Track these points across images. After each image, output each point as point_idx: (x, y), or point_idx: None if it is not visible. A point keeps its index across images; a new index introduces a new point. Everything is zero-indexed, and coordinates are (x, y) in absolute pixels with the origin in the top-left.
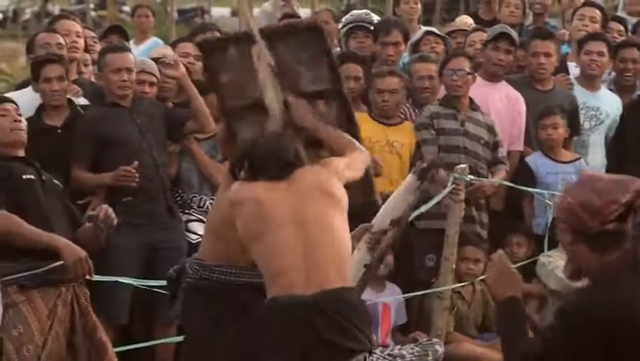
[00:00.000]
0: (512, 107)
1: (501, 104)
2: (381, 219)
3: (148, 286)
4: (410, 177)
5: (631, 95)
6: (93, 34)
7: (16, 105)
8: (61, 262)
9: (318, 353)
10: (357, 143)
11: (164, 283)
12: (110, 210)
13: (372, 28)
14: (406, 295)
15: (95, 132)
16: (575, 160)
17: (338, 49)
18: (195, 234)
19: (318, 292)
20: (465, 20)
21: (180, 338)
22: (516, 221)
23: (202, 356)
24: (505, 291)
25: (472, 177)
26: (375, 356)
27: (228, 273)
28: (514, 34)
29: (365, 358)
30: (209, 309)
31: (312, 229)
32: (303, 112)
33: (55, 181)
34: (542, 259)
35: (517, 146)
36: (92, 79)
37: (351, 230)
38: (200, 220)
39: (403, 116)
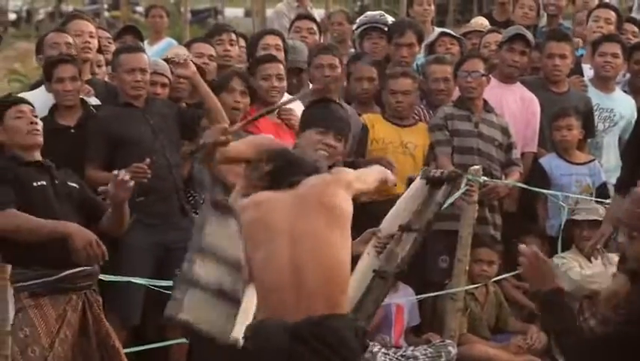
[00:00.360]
0: (526, 108)
1: (515, 106)
2: (390, 223)
3: (161, 286)
4: (418, 182)
5: None
6: (108, 34)
7: (32, 106)
8: (72, 271)
9: None
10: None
11: None
12: (122, 173)
13: (386, 29)
14: (419, 296)
15: (107, 132)
16: (590, 162)
17: (352, 50)
18: None
19: (304, 319)
20: (480, 22)
21: None
22: (529, 223)
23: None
24: (544, 283)
25: (485, 178)
26: (388, 357)
27: None
28: (529, 35)
29: None
30: None
31: (306, 247)
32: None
33: (69, 183)
34: (556, 260)
35: (531, 147)
36: (106, 79)
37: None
38: None
39: (416, 118)
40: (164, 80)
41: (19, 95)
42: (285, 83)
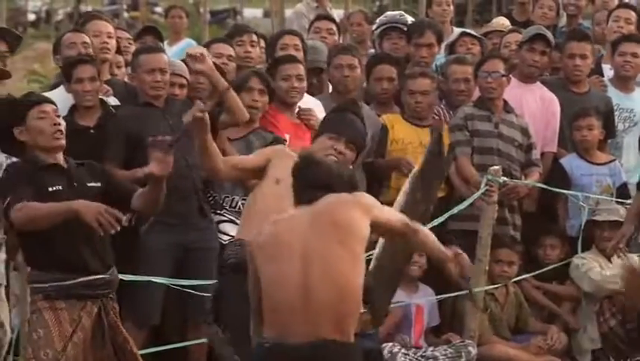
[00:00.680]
0: (547, 108)
1: (535, 106)
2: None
3: (181, 286)
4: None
5: None
6: (128, 35)
7: (55, 106)
8: (88, 278)
9: None
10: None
11: (196, 283)
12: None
13: (405, 29)
14: (439, 296)
15: (127, 132)
16: (610, 162)
17: (372, 50)
18: (227, 235)
19: (309, 342)
20: (502, 22)
21: None
22: (550, 223)
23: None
24: None
25: (505, 178)
26: (408, 357)
27: None
28: (549, 35)
29: None
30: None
31: (317, 268)
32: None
33: (89, 184)
34: (576, 261)
35: (551, 147)
36: (126, 79)
37: None
38: (231, 221)
39: (436, 118)
40: (182, 80)
41: None
42: (305, 84)
